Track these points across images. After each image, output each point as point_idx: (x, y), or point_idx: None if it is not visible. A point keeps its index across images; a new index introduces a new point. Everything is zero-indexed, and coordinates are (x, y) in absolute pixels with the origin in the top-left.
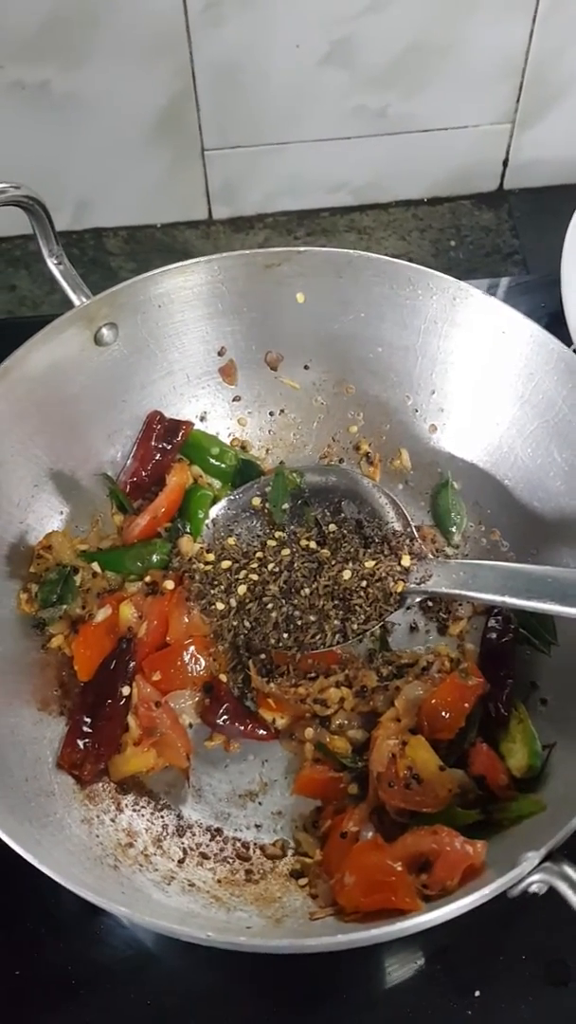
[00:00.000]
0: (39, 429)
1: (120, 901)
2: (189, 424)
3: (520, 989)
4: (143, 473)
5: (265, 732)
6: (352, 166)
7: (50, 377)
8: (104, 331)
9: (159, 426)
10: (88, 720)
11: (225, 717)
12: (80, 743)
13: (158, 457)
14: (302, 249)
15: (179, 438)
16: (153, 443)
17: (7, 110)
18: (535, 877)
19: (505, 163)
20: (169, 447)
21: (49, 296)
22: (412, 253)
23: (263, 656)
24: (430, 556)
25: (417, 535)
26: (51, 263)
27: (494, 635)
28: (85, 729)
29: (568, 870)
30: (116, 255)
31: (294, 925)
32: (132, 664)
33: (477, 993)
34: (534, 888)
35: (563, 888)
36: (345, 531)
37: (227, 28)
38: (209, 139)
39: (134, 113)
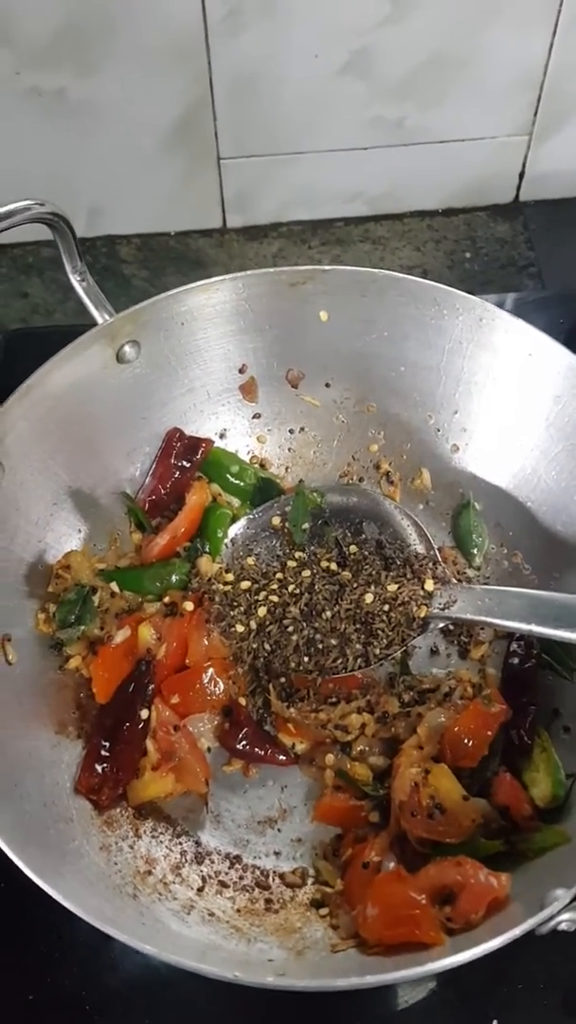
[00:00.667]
0: (59, 447)
1: (143, 935)
2: (209, 442)
3: (537, 1019)
4: (162, 491)
5: (285, 757)
6: (368, 176)
7: (72, 395)
8: (126, 349)
9: (179, 444)
10: (106, 744)
11: (244, 742)
12: (98, 767)
13: (177, 475)
14: (327, 268)
15: (199, 456)
16: (172, 461)
17: (23, 117)
18: (565, 916)
19: (521, 175)
20: (188, 465)
21: (62, 304)
22: (426, 264)
23: (283, 680)
24: (454, 581)
25: (440, 558)
26: (75, 280)
27: (516, 660)
28: (103, 753)
29: None
30: (129, 263)
31: (316, 958)
32: (151, 687)
33: (495, 1022)
34: (563, 926)
35: None
36: (366, 552)
37: (246, 37)
38: (225, 148)
39: (150, 121)
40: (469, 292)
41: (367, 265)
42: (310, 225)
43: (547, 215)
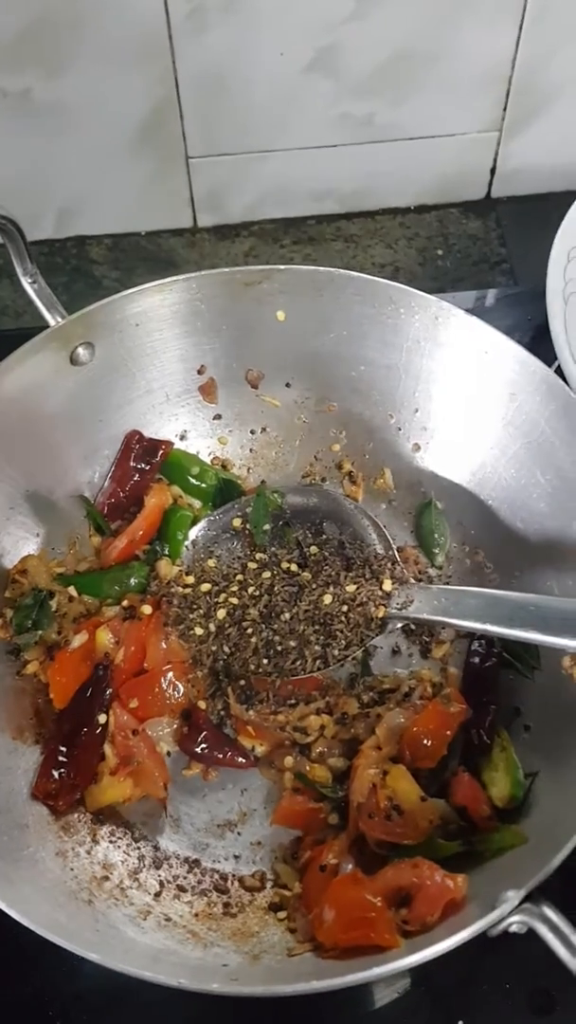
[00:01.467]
0: (14, 451)
1: (92, 944)
2: (168, 444)
3: (504, 1018)
4: (121, 494)
5: (244, 760)
6: (338, 174)
7: (25, 398)
8: (80, 351)
9: (138, 446)
10: (64, 749)
11: (204, 745)
12: (55, 773)
13: (136, 478)
14: (282, 267)
15: (158, 458)
16: (131, 463)
17: None
18: (515, 918)
19: (493, 171)
20: (148, 467)
21: (31, 306)
22: (399, 262)
23: (242, 682)
24: (412, 581)
25: (399, 558)
26: (25, 282)
27: (477, 659)
28: (60, 758)
29: (548, 912)
30: (100, 263)
31: (271, 962)
32: (109, 691)
33: (460, 1022)
34: (514, 928)
35: (543, 931)
36: (327, 553)
37: (210, 35)
38: (193, 147)
39: (117, 120)
40: (441, 289)
41: (340, 263)
42: (282, 223)
43: (519, 211)
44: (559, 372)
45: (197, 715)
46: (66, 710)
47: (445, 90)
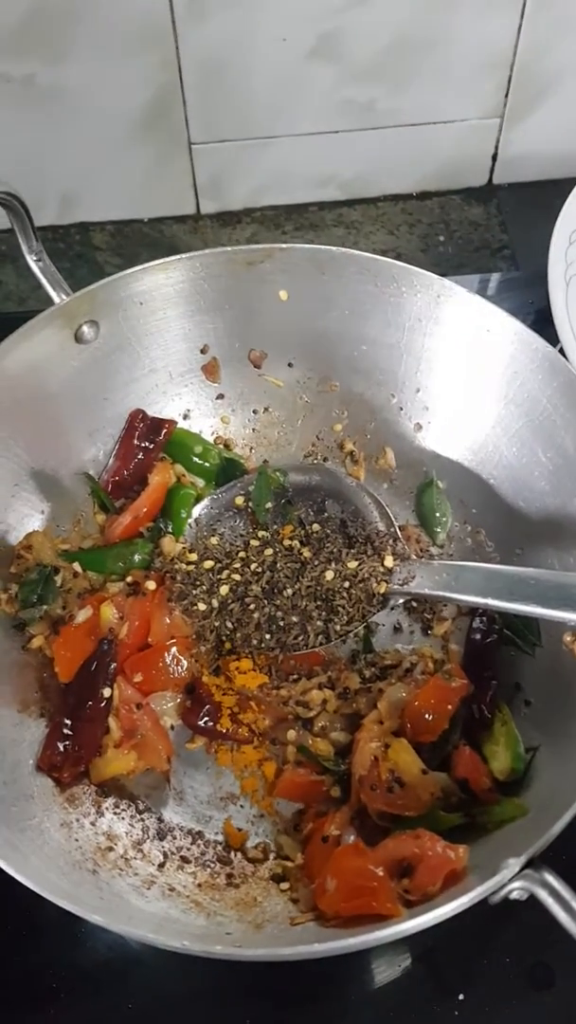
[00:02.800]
0: (19, 428)
1: (96, 908)
2: (172, 423)
3: (504, 992)
4: (125, 472)
5: (248, 734)
6: (340, 160)
7: (30, 376)
8: (84, 329)
9: (141, 424)
10: (68, 722)
11: (207, 719)
12: (60, 745)
13: (140, 456)
14: (284, 246)
15: (162, 437)
16: (135, 442)
17: None
18: (515, 884)
19: (494, 158)
20: (151, 446)
21: (36, 291)
22: (400, 248)
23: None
24: (413, 557)
25: (401, 535)
26: (31, 260)
27: (478, 636)
28: (65, 731)
29: (549, 877)
30: (102, 250)
31: (274, 931)
32: (113, 665)
33: (461, 996)
34: (515, 895)
35: (543, 896)
36: (328, 531)
37: (213, 21)
38: (196, 133)
39: (120, 107)
40: (443, 275)
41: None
42: (284, 210)
43: (520, 197)
44: (561, 354)
45: (200, 689)
46: (71, 684)
47: (447, 76)
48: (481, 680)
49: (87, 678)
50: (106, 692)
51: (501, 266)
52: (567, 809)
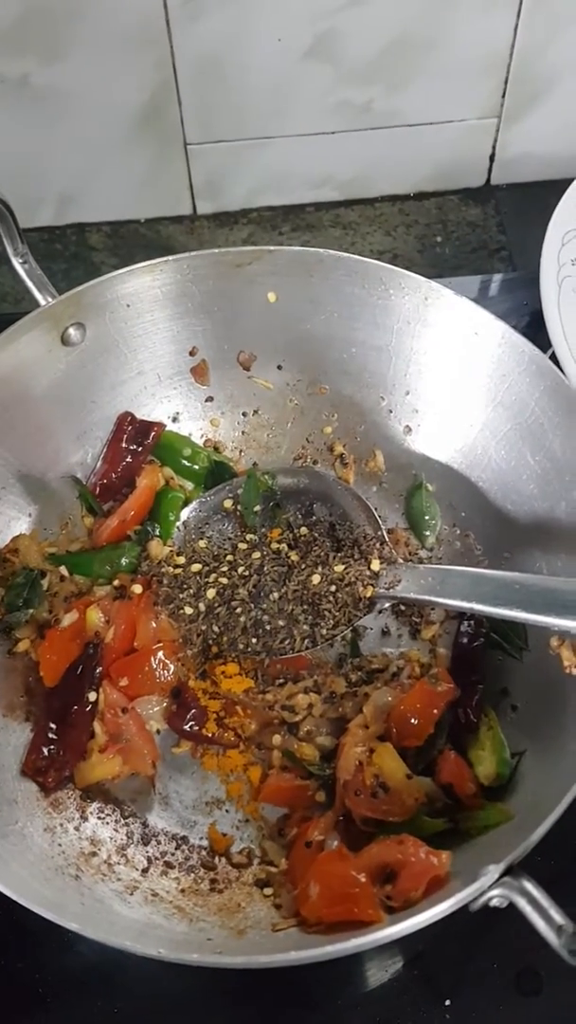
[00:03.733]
0: (5, 431)
1: (76, 916)
2: (160, 425)
3: (492, 998)
4: (113, 475)
5: (233, 739)
6: (337, 161)
7: (16, 378)
8: (71, 331)
9: (130, 427)
10: (54, 726)
11: (192, 723)
12: (45, 750)
13: (128, 459)
14: (272, 248)
15: (150, 440)
16: (123, 444)
17: None
18: (495, 892)
19: (492, 158)
20: (140, 449)
21: (31, 292)
22: (398, 249)
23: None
24: (400, 560)
25: (389, 538)
26: (16, 262)
27: (465, 639)
28: (50, 735)
29: (527, 885)
30: (99, 250)
31: (256, 937)
32: (99, 670)
33: (449, 1002)
34: (495, 902)
35: (522, 904)
36: (316, 534)
37: (208, 21)
38: (192, 133)
39: (116, 107)
40: (440, 276)
41: (338, 250)
42: (280, 211)
43: (518, 198)
44: (554, 359)
45: (186, 693)
46: (56, 688)
47: (444, 77)
48: (468, 684)
49: (73, 682)
50: (92, 696)
51: (499, 267)
52: (548, 815)
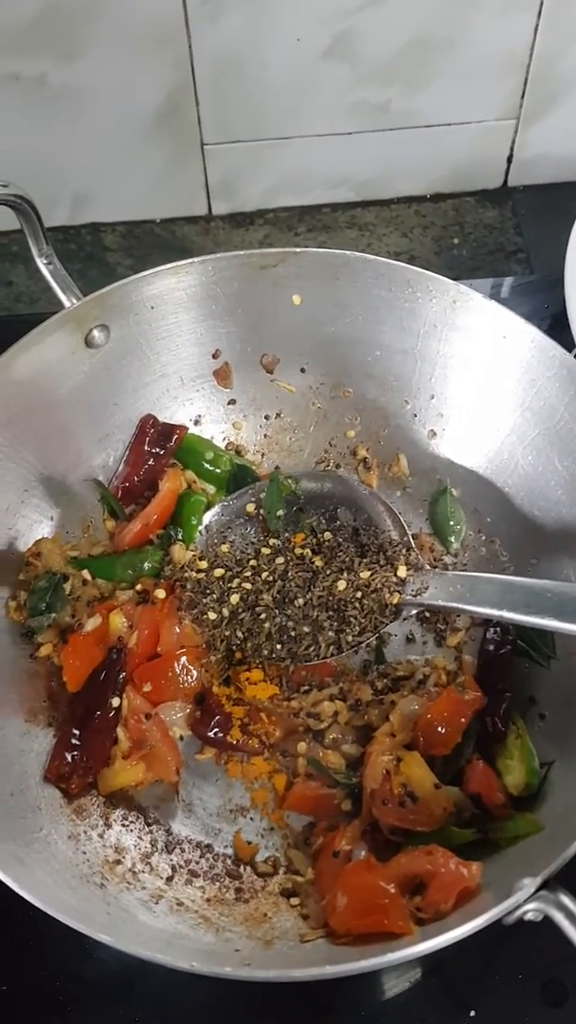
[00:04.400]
0: (28, 433)
1: (103, 926)
2: (183, 428)
3: (516, 1009)
4: (135, 478)
5: (258, 746)
6: (354, 161)
7: (39, 380)
8: (95, 333)
9: (152, 430)
10: (77, 732)
11: (216, 730)
12: (68, 756)
13: (151, 462)
14: (298, 250)
15: (172, 443)
16: (146, 448)
17: (3, 103)
18: (531, 905)
19: (509, 160)
20: (162, 452)
21: (46, 292)
22: (414, 251)
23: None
24: (427, 567)
25: (414, 544)
26: (41, 263)
27: (492, 647)
28: (73, 741)
29: (565, 899)
30: (114, 251)
31: (284, 948)
32: (122, 675)
33: (472, 1013)
34: (529, 916)
35: (559, 918)
36: (340, 539)
37: (227, 21)
38: (208, 133)
39: (133, 107)
40: (457, 278)
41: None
42: (296, 211)
43: (536, 200)
44: None
45: (210, 699)
46: (79, 693)
47: (462, 77)
48: (495, 693)
49: (96, 687)
50: (115, 702)
51: (516, 269)
52: None
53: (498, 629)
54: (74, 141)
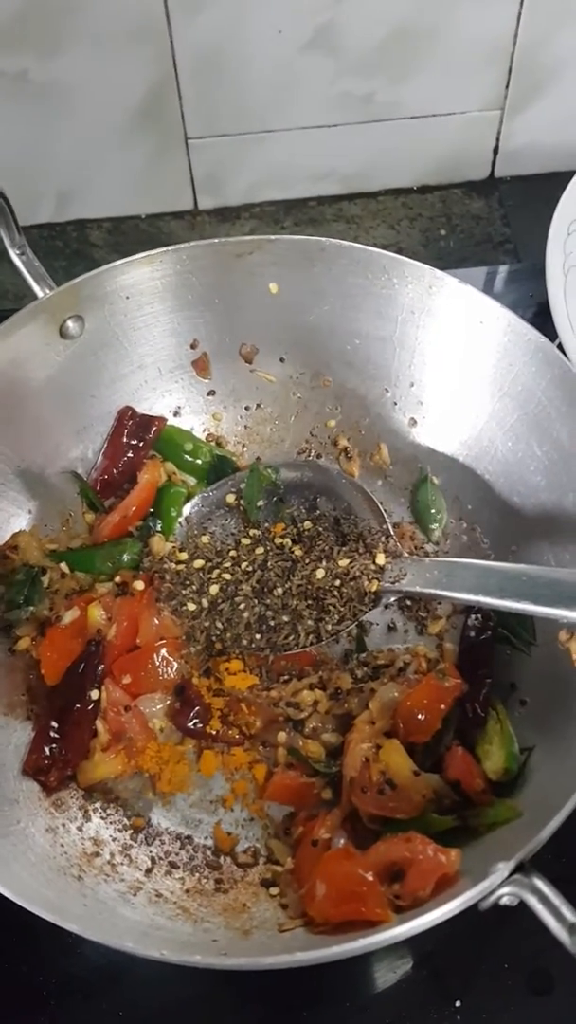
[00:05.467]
0: (3, 426)
1: (77, 917)
2: (162, 420)
3: (503, 998)
4: (114, 470)
5: (237, 736)
6: (339, 154)
7: (13, 372)
8: (69, 324)
9: (130, 422)
10: (55, 725)
11: (196, 720)
12: (47, 749)
13: (130, 454)
14: (273, 238)
15: (151, 434)
16: (124, 440)
17: None
18: (505, 890)
19: (495, 150)
20: (141, 444)
21: (31, 288)
22: (402, 242)
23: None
24: (405, 554)
25: (393, 532)
26: (14, 254)
27: (473, 633)
28: (52, 734)
29: (538, 883)
30: (100, 247)
31: (262, 938)
32: (101, 667)
33: (458, 1003)
34: (505, 900)
35: (532, 901)
36: (320, 528)
37: (207, 13)
38: (192, 127)
39: (116, 102)
40: (444, 269)
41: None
42: (283, 205)
43: (522, 191)
44: (561, 349)
45: (190, 691)
46: (58, 686)
47: (446, 68)
48: (475, 679)
49: (75, 681)
50: (94, 694)
51: (503, 260)
52: (558, 811)
53: (479, 616)
54: (58, 137)
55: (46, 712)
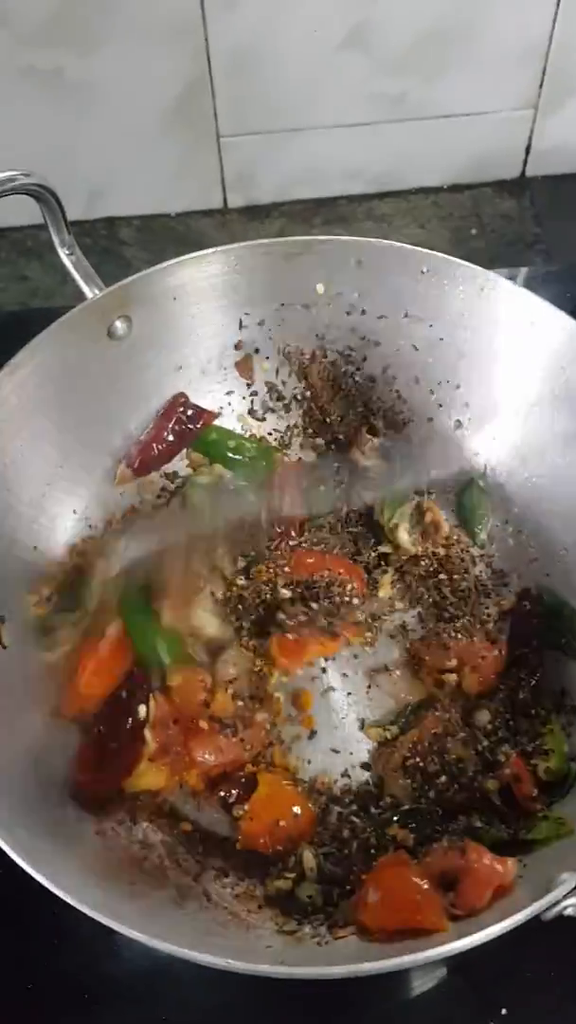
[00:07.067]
0: (50, 426)
1: (137, 923)
2: (211, 414)
3: (549, 1007)
4: (152, 451)
5: None
6: (370, 153)
7: (61, 372)
8: (117, 324)
9: (181, 409)
10: (102, 732)
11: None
12: (94, 756)
13: (171, 438)
14: (323, 238)
15: (198, 426)
16: (172, 424)
17: (20, 96)
18: (571, 901)
19: (527, 150)
20: (185, 432)
21: (62, 287)
22: (431, 242)
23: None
24: None
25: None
26: (63, 253)
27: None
28: (99, 742)
29: None
30: (129, 244)
31: (312, 944)
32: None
33: (504, 1011)
34: (569, 911)
35: None
36: None
37: (243, 12)
38: (224, 125)
39: (149, 99)
40: None
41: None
42: (313, 203)
43: (554, 190)
44: None
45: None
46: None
47: (479, 67)
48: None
49: (120, 700)
50: (142, 709)
51: (535, 260)
52: None
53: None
54: (90, 134)
55: (93, 717)
